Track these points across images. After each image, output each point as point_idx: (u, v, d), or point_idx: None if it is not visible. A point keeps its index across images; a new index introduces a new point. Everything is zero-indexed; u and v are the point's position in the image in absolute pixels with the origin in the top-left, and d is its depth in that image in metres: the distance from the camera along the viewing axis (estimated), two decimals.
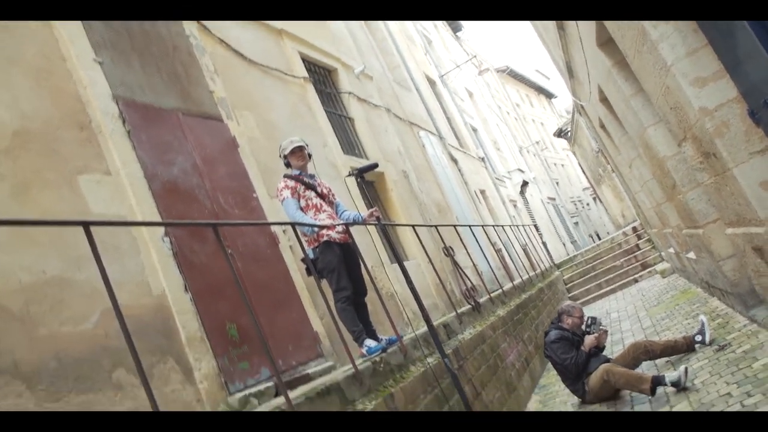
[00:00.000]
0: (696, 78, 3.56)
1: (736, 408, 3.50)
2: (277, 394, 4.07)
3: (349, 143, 8.38)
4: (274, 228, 5.31)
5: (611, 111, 7.60)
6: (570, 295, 13.57)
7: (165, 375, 3.63)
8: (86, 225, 2.37)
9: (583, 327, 5.38)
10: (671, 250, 9.54)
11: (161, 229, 4.15)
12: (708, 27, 3.44)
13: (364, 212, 4.76)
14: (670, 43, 3.63)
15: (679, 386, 4.32)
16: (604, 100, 7.56)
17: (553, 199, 29.40)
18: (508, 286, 9.78)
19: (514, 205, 19.38)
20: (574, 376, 5.09)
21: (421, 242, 6.24)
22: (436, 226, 7.06)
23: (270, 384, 4.22)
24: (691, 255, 7.15)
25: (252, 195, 5.37)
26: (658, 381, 4.47)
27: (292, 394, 3.17)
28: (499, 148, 22.65)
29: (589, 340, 5.22)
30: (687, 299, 7.76)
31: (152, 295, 3.85)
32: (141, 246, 3.96)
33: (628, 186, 11.44)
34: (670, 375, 4.44)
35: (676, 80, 3.63)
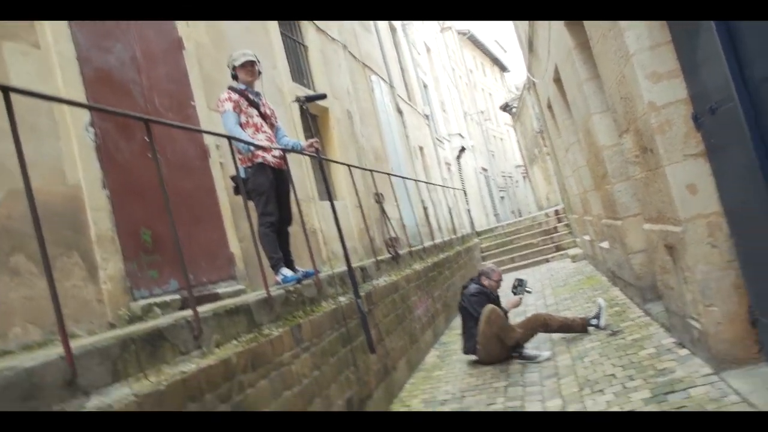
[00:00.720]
0: (653, 72, 3.61)
1: (618, 388, 3.73)
2: (183, 308, 3.98)
3: (300, 71, 8.11)
4: (206, 140, 5.10)
5: (562, 92, 7.69)
6: (483, 263, 13.98)
7: (68, 269, 3.46)
8: (5, 90, 2.16)
9: (511, 288, 5.62)
10: (587, 237, 9.94)
11: (86, 118, 3.88)
12: (675, 24, 3.48)
13: (305, 142, 4.63)
14: (636, 33, 3.66)
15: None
16: (558, 80, 7.64)
17: (486, 170, 29.93)
18: (428, 243, 9.94)
19: (449, 168, 19.57)
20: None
21: (354, 184, 6.18)
22: (371, 171, 7.01)
23: (177, 297, 4.12)
24: (605, 244, 7.47)
25: (190, 102, 5.11)
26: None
27: (200, 309, 3.09)
28: (445, 109, 22.66)
29: (513, 301, 5.44)
30: (591, 285, 8.14)
31: (66, 184, 3.62)
32: (62, 131, 3.70)
33: (560, 170, 11.76)
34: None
35: (634, 71, 3.67)
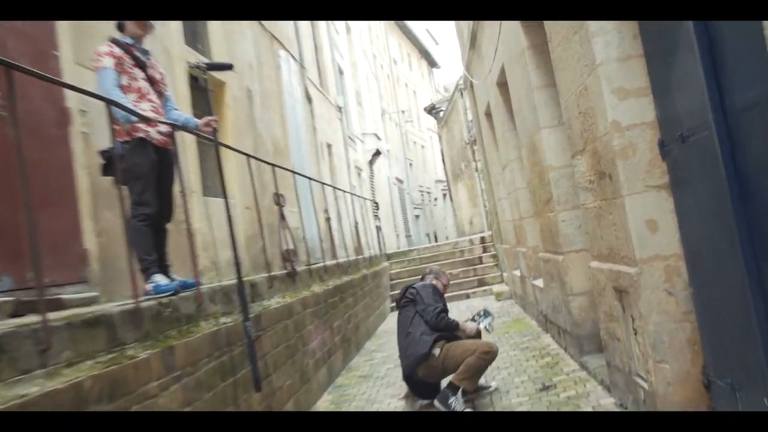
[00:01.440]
0: (619, 87, 3.83)
1: None
2: (15, 314, 3.77)
3: (195, 34, 7.94)
4: (70, 103, 4.89)
5: (506, 99, 7.99)
6: (393, 293, 14.17)
7: None
8: None
9: (475, 315, 5.96)
10: (517, 272, 10.32)
11: None
12: (650, 36, 3.72)
13: (200, 120, 4.53)
14: (605, 40, 3.87)
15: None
16: (503, 84, 7.93)
17: (402, 181, 30.46)
18: (331, 262, 9.95)
19: (359, 174, 19.77)
20: (431, 327, 5.42)
21: (252, 180, 6.11)
22: (274, 166, 6.96)
23: (9, 299, 3.90)
24: (539, 282, 7.79)
25: (52, 52, 4.89)
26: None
27: (50, 317, 2.93)
28: (361, 103, 22.89)
29: (471, 326, 5.72)
30: (518, 330, 8.44)
31: None
32: None
33: (491, 190, 12.15)
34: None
35: (600, 83, 3.88)
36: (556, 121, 5.94)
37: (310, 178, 9.22)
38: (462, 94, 18.60)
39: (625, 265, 3.99)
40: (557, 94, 5.33)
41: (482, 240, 16.15)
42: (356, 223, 14.42)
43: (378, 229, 17.65)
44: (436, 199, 39.10)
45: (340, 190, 12.47)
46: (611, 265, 4.26)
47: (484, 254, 15.40)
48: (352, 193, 14.68)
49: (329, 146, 15.39)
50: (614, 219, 4.08)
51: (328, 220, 11.81)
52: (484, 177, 13.70)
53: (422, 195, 36.09)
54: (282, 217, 6.76)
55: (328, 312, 7.83)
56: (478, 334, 5.78)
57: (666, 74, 3.57)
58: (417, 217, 34.33)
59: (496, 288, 13.23)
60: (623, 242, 3.97)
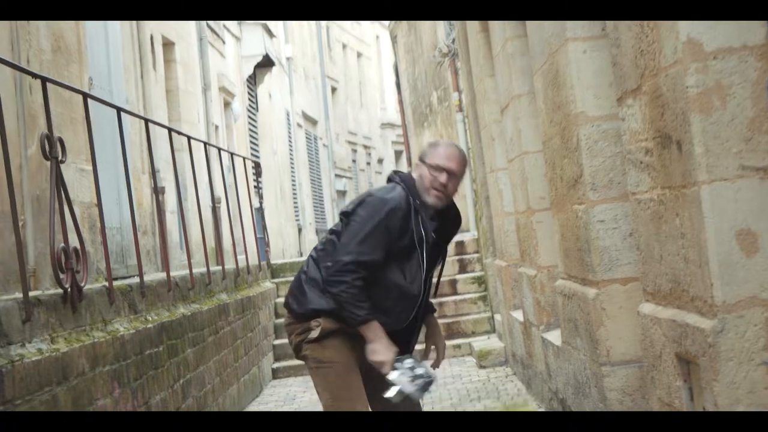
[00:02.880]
0: None
1: None
2: None
3: None
4: None
5: None
6: (278, 342, 14.25)
7: None
8: None
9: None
10: (518, 315, 10.46)
11: None
12: None
13: None
14: None
15: None
16: None
17: (315, 122, 30.54)
18: (156, 276, 9.96)
19: (227, 104, 19.72)
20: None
21: None
22: (48, 81, 7.01)
23: None
24: (554, 337, 7.95)
25: None
26: None
27: None
28: None
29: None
30: None
31: None
32: None
33: (482, 149, 12.27)
34: None
35: None
36: (596, 28, 6.06)
37: (120, 109, 9.21)
38: None
39: (696, 314, 4.16)
40: None
41: (461, 248, 16.29)
42: (214, 202, 14.38)
43: (258, 212, 17.63)
44: (381, 161, 39.30)
45: (182, 135, 12.32)
46: (673, 313, 4.42)
47: (462, 276, 15.55)
48: (208, 143, 14.59)
49: (168, 45, 15.32)
50: (682, 225, 4.25)
51: (157, 192, 11.75)
52: (471, 124, 13.78)
53: (354, 152, 36.25)
54: (59, 181, 6.79)
55: (143, 373, 7.88)
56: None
57: None
58: (342, 193, 34.44)
59: (478, 344, 13.40)
60: (695, 270, 4.13)
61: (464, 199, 16.38)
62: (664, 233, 4.53)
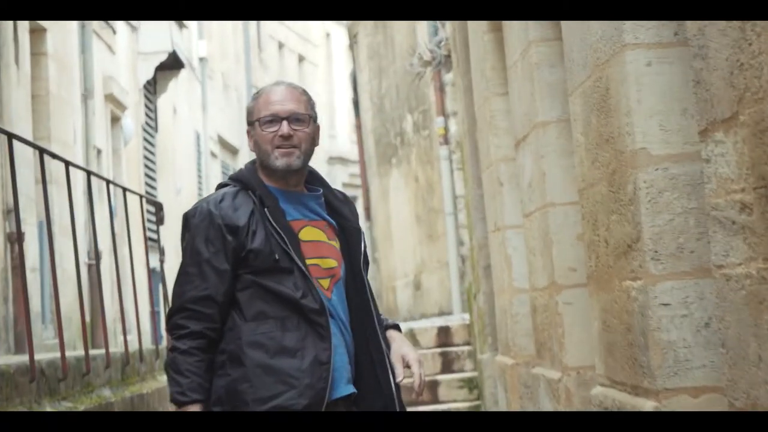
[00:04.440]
0: None
1: None
2: None
3: None
4: None
5: None
6: None
7: None
8: None
9: None
10: None
11: None
12: None
13: None
14: None
15: None
16: None
17: (237, 151, 29.78)
18: (11, 361, 8.67)
19: (116, 120, 18.12)
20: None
21: None
22: None
23: None
24: None
25: None
26: None
27: None
28: None
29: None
30: None
31: None
32: None
33: (481, 198, 11.66)
34: None
35: None
36: (668, 31, 5.43)
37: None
38: None
39: None
40: None
41: (444, 336, 15.45)
42: (98, 258, 13.45)
43: (157, 276, 15.79)
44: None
45: (55, 157, 10.36)
46: None
47: (446, 376, 14.68)
48: (95, 174, 13.00)
49: (37, 33, 13.49)
50: None
51: (14, 240, 10.55)
52: (466, 161, 13.05)
53: None
54: None
55: None
56: None
57: None
58: None
59: None
60: None
61: (445, 268, 15.47)
62: (765, 324, 3.88)
